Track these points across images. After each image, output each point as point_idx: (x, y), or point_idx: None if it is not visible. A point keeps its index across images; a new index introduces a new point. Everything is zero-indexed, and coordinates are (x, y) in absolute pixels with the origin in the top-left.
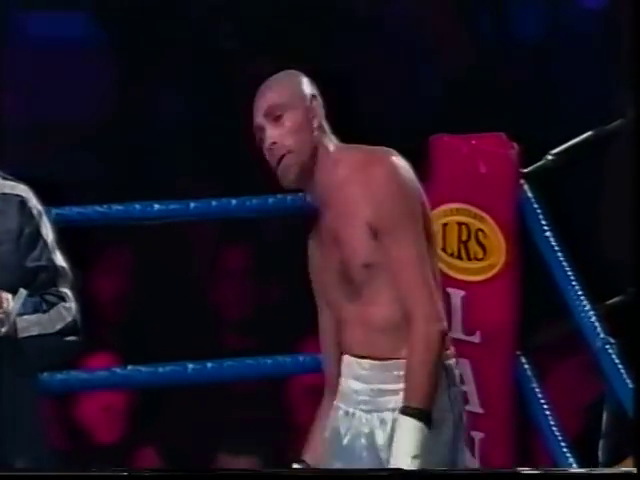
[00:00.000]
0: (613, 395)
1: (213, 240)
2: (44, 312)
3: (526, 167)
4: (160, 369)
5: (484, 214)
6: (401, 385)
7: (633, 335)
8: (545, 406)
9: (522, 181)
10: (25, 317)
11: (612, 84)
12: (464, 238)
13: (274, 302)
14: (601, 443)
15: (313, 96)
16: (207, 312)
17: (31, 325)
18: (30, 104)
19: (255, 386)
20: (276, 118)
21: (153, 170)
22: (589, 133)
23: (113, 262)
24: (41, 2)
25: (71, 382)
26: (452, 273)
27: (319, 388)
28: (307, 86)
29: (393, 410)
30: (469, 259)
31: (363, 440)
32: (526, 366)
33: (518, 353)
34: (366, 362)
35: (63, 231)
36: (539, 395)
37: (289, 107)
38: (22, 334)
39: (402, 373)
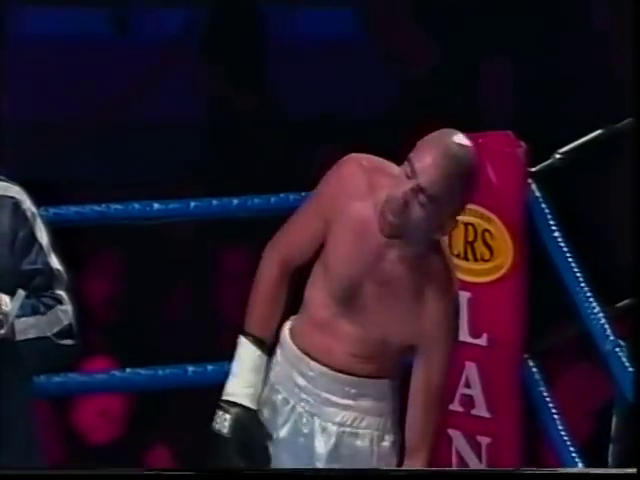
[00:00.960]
0: (623, 399)
1: (214, 242)
2: (42, 314)
3: (534, 166)
4: (160, 372)
5: (491, 214)
6: (351, 402)
7: None
8: (553, 410)
9: (530, 180)
10: (23, 319)
11: (622, 82)
12: (470, 239)
13: None
14: (611, 448)
15: (463, 202)
16: (208, 314)
17: (29, 327)
18: (23, 103)
19: None
20: (424, 200)
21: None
22: (598, 132)
23: (112, 264)
24: None
25: (69, 385)
26: (458, 274)
27: None
28: (468, 184)
29: (339, 425)
30: (475, 260)
31: (302, 439)
32: (534, 370)
33: (526, 356)
34: (316, 365)
35: (57, 232)
36: (547, 399)
37: (442, 204)
38: (20, 336)
39: (354, 391)
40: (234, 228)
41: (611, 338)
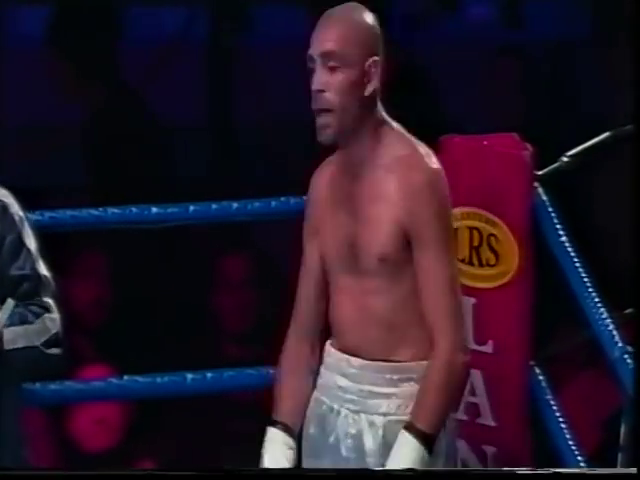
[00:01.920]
0: (632, 406)
1: (213, 248)
2: (30, 323)
3: (540, 169)
4: (158, 379)
5: (496, 218)
6: (394, 389)
7: None
8: (561, 419)
9: (536, 184)
10: (12, 328)
11: (628, 85)
12: (475, 243)
13: (275, 311)
14: (620, 457)
15: (375, 60)
16: (207, 322)
17: (17, 337)
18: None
19: (256, 397)
20: (330, 67)
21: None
22: (606, 134)
23: (110, 271)
24: None
25: (65, 393)
26: (463, 280)
27: None
28: (374, 40)
29: (385, 415)
30: (481, 265)
31: (350, 441)
32: (540, 377)
33: (532, 363)
34: (357, 361)
35: (45, 238)
36: (554, 408)
37: (347, 63)
38: (8, 346)
39: (396, 377)
40: (234, 234)
41: (619, 345)
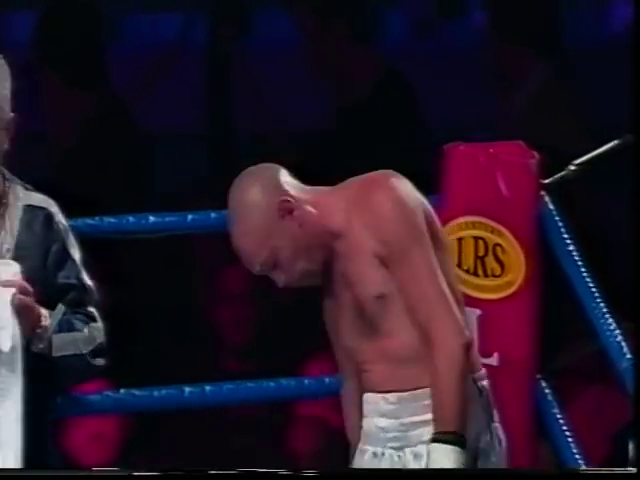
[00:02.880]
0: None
1: (213, 261)
2: (79, 331)
3: (547, 178)
4: (155, 393)
5: (502, 228)
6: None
7: None
8: (568, 433)
9: (543, 192)
10: (60, 335)
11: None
12: (481, 253)
13: (276, 325)
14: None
15: (282, 216)
16: (206, 335)
17: (66, 344)
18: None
19: (256, 412)
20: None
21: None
22: (613, 143)
23: (107, 284)
24: None
25: (61, 407)
26: (468, 291)
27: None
28: (272, 212)
29: (427, 443)
30: (486, 276)
31: None
32: (547, 390)
33: (538, 376)
34: (392, 396)
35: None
36: (561, 422)
37: (271, 256)
38: (57, 353)
39: (430, 402)
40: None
41: (628, 356)
